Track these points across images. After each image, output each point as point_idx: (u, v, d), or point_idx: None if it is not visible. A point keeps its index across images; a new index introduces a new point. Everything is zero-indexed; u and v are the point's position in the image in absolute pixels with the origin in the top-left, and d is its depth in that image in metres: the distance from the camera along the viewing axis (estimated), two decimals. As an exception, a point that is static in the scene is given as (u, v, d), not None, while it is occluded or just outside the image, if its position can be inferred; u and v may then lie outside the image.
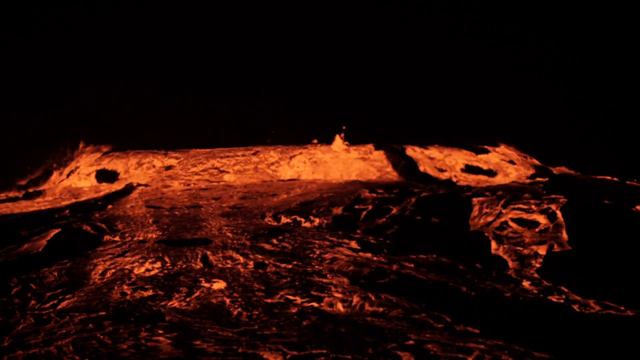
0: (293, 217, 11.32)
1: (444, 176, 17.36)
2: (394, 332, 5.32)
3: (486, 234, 9.43)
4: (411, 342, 5.06)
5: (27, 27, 21.72)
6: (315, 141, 19.68)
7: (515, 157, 19.86)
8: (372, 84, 21.38)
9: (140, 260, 8.33)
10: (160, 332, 5.36)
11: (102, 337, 5.20)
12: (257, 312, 6.03)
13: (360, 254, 8.77)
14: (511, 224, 9.69)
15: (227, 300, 6.50)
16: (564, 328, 5.88)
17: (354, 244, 9.22)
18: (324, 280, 7.24)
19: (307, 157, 18.42)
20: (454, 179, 16.89)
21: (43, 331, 5.47)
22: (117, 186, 16.97)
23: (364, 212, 10.96)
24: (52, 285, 7.37)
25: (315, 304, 6.37)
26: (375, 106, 20.91)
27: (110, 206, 13.43)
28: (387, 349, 4.88)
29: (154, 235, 10.13)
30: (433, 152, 19.62)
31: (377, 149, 19.08)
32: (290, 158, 18.38)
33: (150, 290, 6.97)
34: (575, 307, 6.54)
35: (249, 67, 21.75)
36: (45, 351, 4.88)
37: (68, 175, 19.01)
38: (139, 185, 16.70)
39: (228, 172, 17.47)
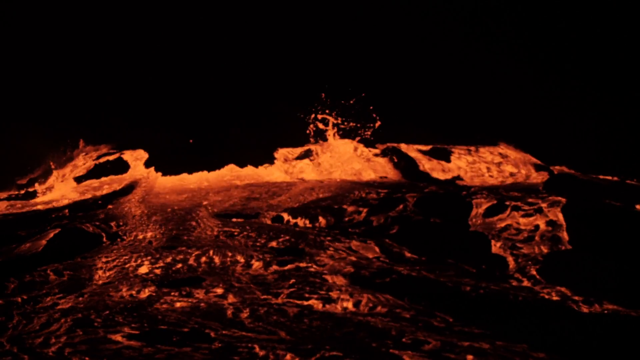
0: (293, 217, 11.30)
1: (444, 176, 17.34)
2: (394, 332, 5.30)
3: (486, 234, 9.42)
4: (412, 342, 5.05)
5: (26, 25, 21.68)
6: (313, 141, 19.67)
7: (515, 157, 19.82)
8: (372, 83, 21.34)
9: (140, 261, 8.32)
10: (161, 333, 5.35)
11: (102, 337, 5.19)
12: (256, 313, 6.01)
13: (361, 253, 8.76)
14: (511, 223, 9.68)
15: (227, 301, 6.49)
16: (564, 327, 5.87)
17: (354, 244, 9.20)
18: (324, 280, 7.23)
19: (306, 157, 18.39)
20: (454, 179, 16.86)
21: (42, 332, 5.46)
22: (117, 185, 16.95)
23: (364, 212, 10.95)
24: (52, 286, 7.35)
25: (315, 305, 6.36)
26: (375, 105, 20.86)
27: (110, 206, 13.41)
28: (387, 349, 4.87)
29: (154, 235, 10.12)
30: (433, 151, 19.59)
31: (377, 148, 19.07)
32: (290, 158, 18.35)
33: (150, 291, 6.96)
34: (575, 306, 6.53)
35: (248, 65, 21.70)
36: (44, 352, 4.87)
37: (68, 175, 18.99)
38: (139, 184, 16.69)
39: (228, 173, 17.44)
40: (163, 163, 18.08)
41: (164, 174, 17.47)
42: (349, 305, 6.30)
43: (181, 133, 19.93)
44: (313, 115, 19.82)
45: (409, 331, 5.37)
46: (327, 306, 6.29)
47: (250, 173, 17.54)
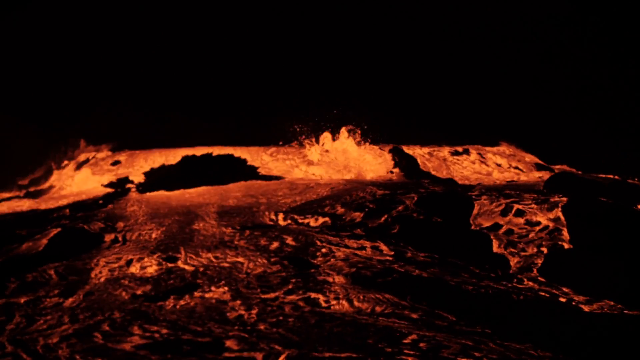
0: (294, 216, 11.29)
1: (445, 175, 17.36)
2: (396, 331, 5.30)
3: (488, 233, 9.41)
4: (414, 341, 5.05)
5: (27, 26, 21.71)
6: (314, 141, 19.68)
7: (517, 156, 19.87)
8: (374, 84, 21.37)
9: (141, 260, 8.31)
10: (162, 332, 5.34)
11: (102, 337, 5.19)
12: (257, 312, 6.00)
13: (362, 253, 8.75)
14: (512, 222, 9.66)
15: (228, 300, 6.48)
16: (566, 326, 5.87)
17: (355, 244, 9.19)
18: (325, 280, 7.22)
19: (307, 157, 18.41)
20: (455, 178, 16.87)
21: (44, 333, 5.45)
22: (118, 185, 16.96)
23: (365, 212, 10.93)
24: (53, 286, 7.35)
25: (316, 303, 6.35)
26: (377, 105, 20.89)
27: (110, 205, 13.39)
28: (389, 348, 4.86)
29: (154, 235, 10.11)
30: (435, 151, 19.63)
31: (378, 148, 19.09)
32: (291, 158, 18.36)
33: (151, 291, 6.96)
34: (576, 305, 6.52)
35: (249, 64, 21.72)
36: (46, 355, 4.87)
37: (69, 175, 19.00)
38: (140, 184, 16.70)
39: (229, 171, 17.42)
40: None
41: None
42: (354, 305, 6.29)
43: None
44: (314, 116, 19.84)
45: (411, 330, 5.36)
46: (332, 307, 6.28)
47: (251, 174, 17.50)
